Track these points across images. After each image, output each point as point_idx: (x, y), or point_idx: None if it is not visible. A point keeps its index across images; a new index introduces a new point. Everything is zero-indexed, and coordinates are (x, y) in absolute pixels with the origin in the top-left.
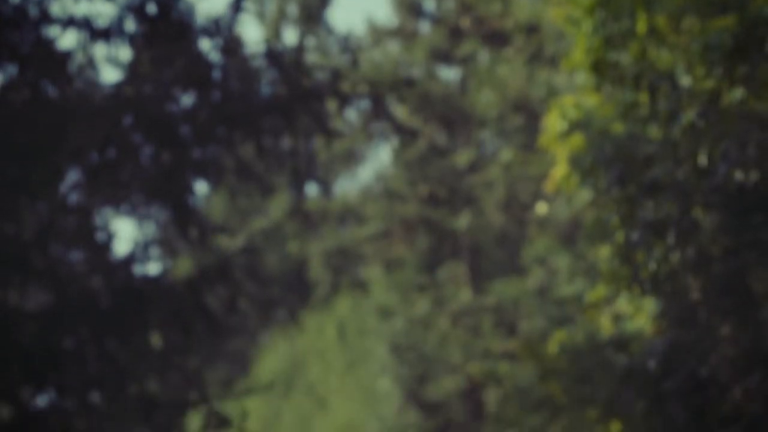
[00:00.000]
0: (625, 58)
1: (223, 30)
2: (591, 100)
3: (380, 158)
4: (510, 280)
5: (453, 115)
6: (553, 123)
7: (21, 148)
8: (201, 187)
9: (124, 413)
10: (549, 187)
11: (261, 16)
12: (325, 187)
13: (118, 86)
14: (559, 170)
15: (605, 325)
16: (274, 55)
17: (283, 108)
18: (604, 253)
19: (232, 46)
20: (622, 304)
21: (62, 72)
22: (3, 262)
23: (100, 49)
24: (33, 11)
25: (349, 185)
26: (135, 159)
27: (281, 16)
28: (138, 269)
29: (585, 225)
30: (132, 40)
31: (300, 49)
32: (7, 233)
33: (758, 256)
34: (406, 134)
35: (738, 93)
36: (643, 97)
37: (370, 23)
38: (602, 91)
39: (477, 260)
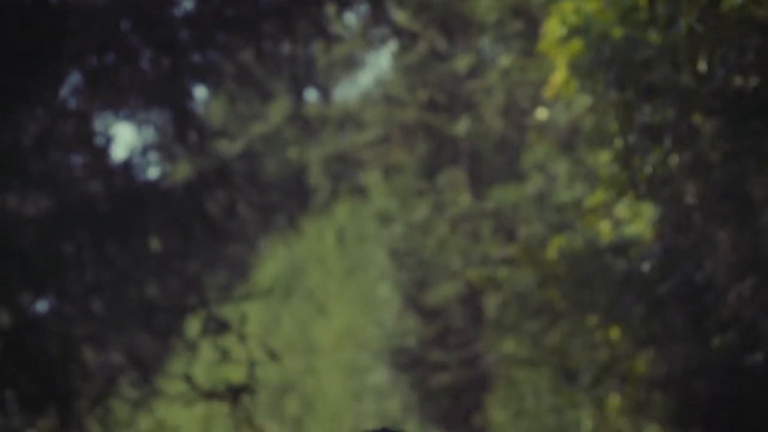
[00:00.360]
0: None
1: None
2: (591, 5)
3: (380, 63)
4: (509, 185)
5: (452, 21)
6: (552, 28)
7: (20, 52)
8: (200, 92)
9: (123, 318)
10: (548, 92)
11: None
12: (325, 93)
13: None
14: (559, 76)
15: (604, 231)
16: None
17: (283, 12)
18: (603, 158)
19: None
20: (621, 209)
21: None
22: (2, 168)
23: None
24: None
25: (349, 90)
26: (134, 63)
27: None
28: (137, 174)
29: (584, 130)
30: None
31: None
32: (7, 138)
33: (757, 162)
34: (406, 39)
35: None
36: (643, 2)
37: None
38: None
39: (476, 166)
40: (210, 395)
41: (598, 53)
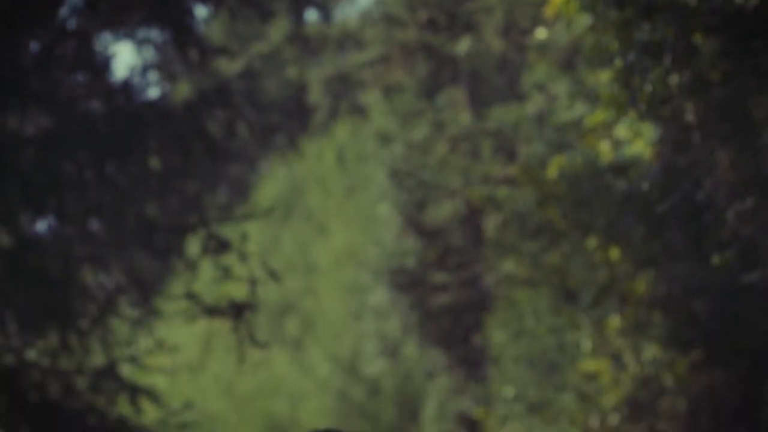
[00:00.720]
0: None
1: None
2: None
3: None
4: (509, 105)
5: None
6: None
7: None
8: (200, 10)
9: (123, 237)
10: (548, 11)
11: None
12: (325, 12)
13: None
14: None
15: (604, 150)
16: None
17: None
18: (603, 77)
19: None
20: (621, 129)
21: None
22: (2, 87)
23: None
24: None
25: (349, 10)
26: None
27: None
28: (137, 93)
29: (584, 49)
30: None
31: None
32: (7, 57)
33: (757, 81)
34: None
35: None
36: None
37: None
38: None
39: (476, 85)
40: (212, 311)
41: None
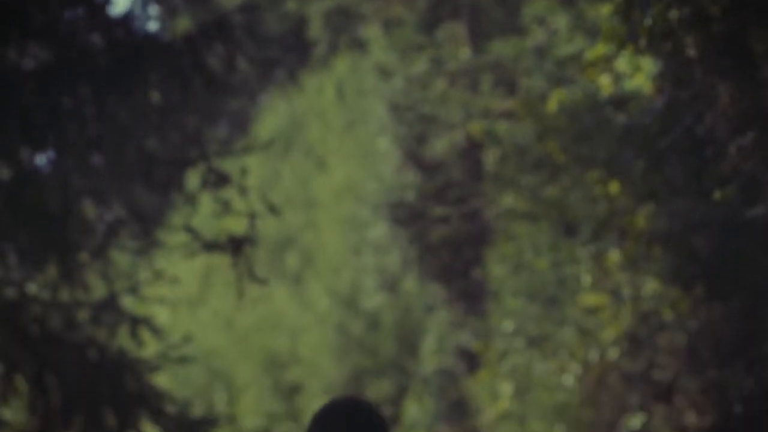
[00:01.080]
0: None
1: None
2: None
3: None
4: (509, 39)
5: None
6: None
7: None
8: None
9: (123, 171)
10: None
11: None
12: None
13: None
14: None
15: (604, 84)
16: None
17: None
18: (603, 11)
19: None
20: (622, 63)
21: None
22: (1, 20)
23: None
24: None
25: None
26: None
27: None
28: (137, 27)
29: None
30: None
31: None
32: None
33: (758, 15)
34: None
35: None
36: None
37: None
38: None
39: (476, 19)
40: (211, 246)
41: None
